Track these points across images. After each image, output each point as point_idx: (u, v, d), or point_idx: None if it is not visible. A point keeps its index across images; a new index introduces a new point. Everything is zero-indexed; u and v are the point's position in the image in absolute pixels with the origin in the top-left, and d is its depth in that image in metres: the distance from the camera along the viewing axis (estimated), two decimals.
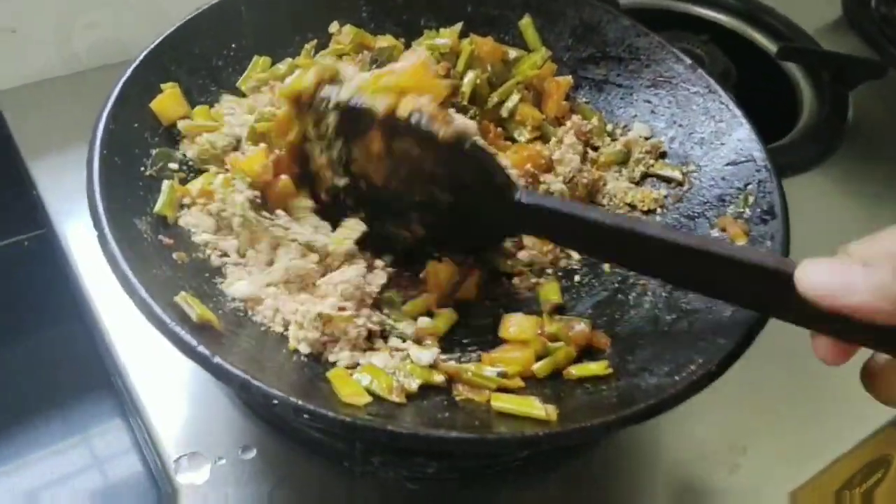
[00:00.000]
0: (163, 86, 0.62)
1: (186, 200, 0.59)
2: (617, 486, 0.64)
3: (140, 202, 0.56)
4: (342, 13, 0.72)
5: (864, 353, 0.47)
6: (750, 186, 0.63)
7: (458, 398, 0.53)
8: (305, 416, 0.45)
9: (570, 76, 0.74)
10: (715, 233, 0.63)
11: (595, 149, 0.72)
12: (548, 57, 0.74)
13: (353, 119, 0.56)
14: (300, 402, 0.44)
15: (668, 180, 0.69)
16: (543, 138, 0.71)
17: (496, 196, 0.57)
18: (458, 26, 0.73)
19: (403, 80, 0.56)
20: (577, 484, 0.63)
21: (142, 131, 0.60)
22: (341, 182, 0.59)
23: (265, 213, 0.58)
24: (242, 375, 0.45)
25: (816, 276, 0.43)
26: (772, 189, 0.61)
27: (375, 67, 0.68)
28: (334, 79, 0.57)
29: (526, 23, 0.75)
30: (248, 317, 0.54)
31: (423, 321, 0.58)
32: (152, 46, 0.62)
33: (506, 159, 0.67)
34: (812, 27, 1.10)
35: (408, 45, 0.73)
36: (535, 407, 0.50)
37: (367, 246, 0.60)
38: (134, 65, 0.61)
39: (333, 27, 0.71)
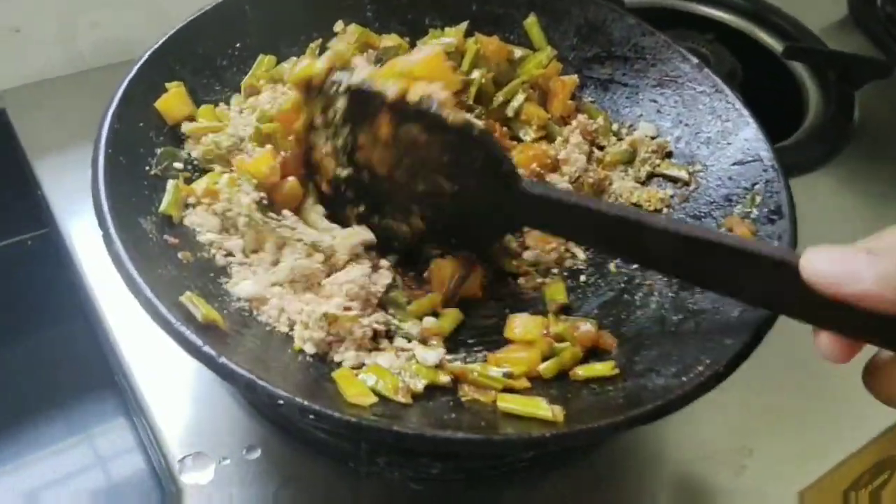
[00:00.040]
0: (168, 85, 0.62)
1: (191, 200, 0.58)
2: (622, 486, 0.64)
3: (145, 201, 0.56)
4: (347, 12, 0.71)
5: (867, 354, 0.46)
6: (757, 186, 0.62)
7: (463, 399, 0.52)
8: (311, 416, 0.45)
9: (576, 75, 0.74)
10: None
11: (601, 148, 0.72)
12: (553, 56, 0.74)
13: (363, 102, 0.56)
14: (306, 403, 0.44)
15: (674, 180, 0.68)
16: (549, 138, 0.71)
17: (502, 185, 0.57)
18: (464, 25, 0.73)
19: (417, 68, 0.56)
20: (583, 484, 0.63)
21: (146, 131, 0.60)
22: (344, 172, 0.59)
23: (272, 214, 0.58)
24: (248, 375, 0.45)
25: (821, 264, 0.43)
26: (779, 189, 0.61)
27: (379, 67, 0.68)
28: (345, 66, 0.57)
29: (531, 22, 0.75)
30: (253, 317, 0.54)
31: (429, 321, 0.58)
32: (157, 46, 0.62)
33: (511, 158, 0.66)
34: (818, 26, 1.10)
35: (412, 45, 0.72)
36: (541, 408, 0.49)
37: (372, 246, 0.60)
38: (139, 64, 0.61)
39: (338, 26, 0.71)
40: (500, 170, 0.56)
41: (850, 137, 0.96)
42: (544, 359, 0.55)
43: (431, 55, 0.58)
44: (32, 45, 0.84)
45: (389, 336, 0.56)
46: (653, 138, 0.71)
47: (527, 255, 0.65)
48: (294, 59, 0.69)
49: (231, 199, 0.57)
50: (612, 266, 0.65)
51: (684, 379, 0.50)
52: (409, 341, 0.56)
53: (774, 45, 1.07)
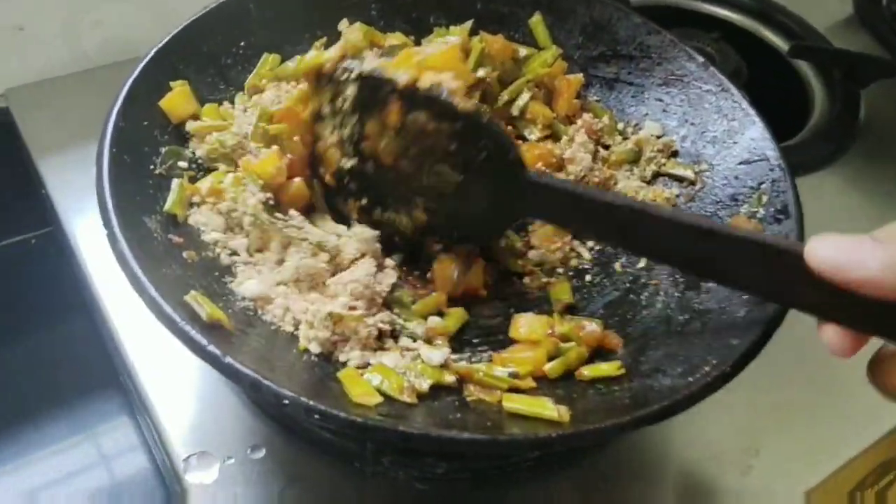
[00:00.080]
0: (172, 84, 0.62)
1: (196, 199, 0.58)
2: (628, 486, 0.64)
3: (149, 200, 0.56)
4: (351, 10, 0.71)
5: (872, 351, 0.46)
6: (763, 186, 0.62)
7: (469, 398, 0.52)
8: (316, 416, 0.44)
9: (581, 74, 0.74)
10: None
11: (606, 147, 0.72)
12: (558, 55, 0.73)
13: (373, 89, 0.56)
14: (311, 403, 0.44)
15: (680, 179, 0.68)
16: (554, 137, 0.71)
17: (508, 174, 0.57)
18: (469, 24, 0.73)
19: (433, 59, 0.57)
20: (588, 484, 0.63)
21: (151, 129, 0.60)
22: (348, 163, 0.59)
23: (278, 214, 0.57)
24: (253, 375, 0.45)
25: (826, 251, 0.43)
26: (786, 188, 0.61)
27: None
28: (357, 56, 0.58)
29: (536, 20, 0.75)
30: (258, 316, 0.54)
31: (434, 320, 0.58)
32: (161, 44, 0.62)
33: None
34: (823, 25, 1.09)
35: (417, 43, 0.72)
36: (547, 408, 0.49)
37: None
38: (143, 63, 0.61)
39: (343, 25, 0.71)
40: (508, 158, 0.56)
41: (856, 136, 0.95)
42: (550, 359, 0.55)
43: (448, 48, 0.59)
44: (36, 44, 0.84)
45: (394, 336, 0.56)
46: (658, 137, 0.70)
47: (532, 254, 0.65)
48: (299, 56, 0.69)
49: (236, 199, 0.57)
50: (617, 266, 0.65)
51: (691, 379, 0.50)
52: (415, 341, 0.56)
53: (780, 43, 1.07)
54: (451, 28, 0.73)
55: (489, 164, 0.56)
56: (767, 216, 0.61)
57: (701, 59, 0.70)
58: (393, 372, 0.52)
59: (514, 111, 0.70)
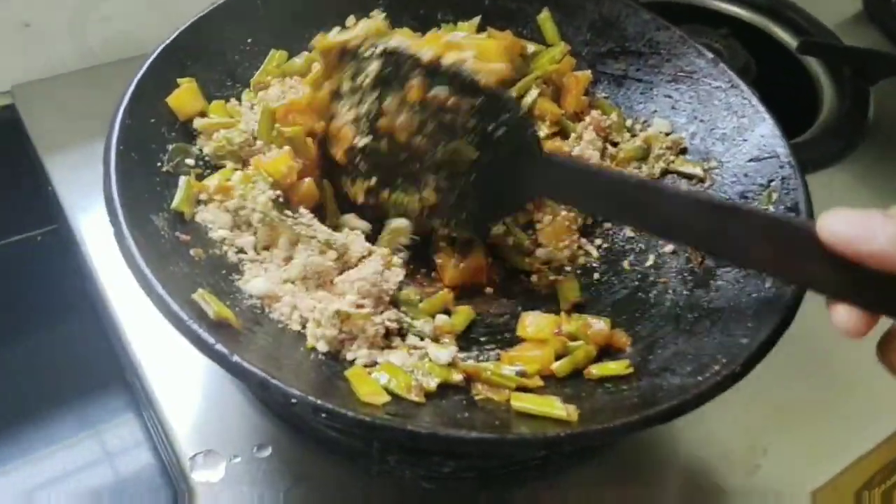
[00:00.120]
0: (179, 81, 0.62)
1: (203, 196, 0.58)
2: (635, 485, 0.63)
3: (156, 198, 0.56)
4: (359, 6, 0.71)
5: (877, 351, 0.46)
6: (773, 183, 0.62)
7: (477, 397, 0.52)
8: (324, 415, 0.44)
9: (589, 71, 0.73)
10: None
11: (614, 144, 0.71)
12: (567, 51, 0.73)
13: (397, 65, 0.57)
14: (319, 402, 0.44)
15: (688, 177, 0.68)
16: (562, 134, 0.71)
17: (524, 151, 0.57)
18: (476, 20, 0.73)
19: (474, 42, 0.59)
20: (595, 483, 0.62)
21: (158, 126, 0.60)
22: (362, 142, 0.59)
23: (287, 212, 0.57)
24: (261, 374, 0.44)
25: (837, 225, 0.43)
26: (796, 186, 0.60)
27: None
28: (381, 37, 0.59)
29: (544, 17, 0.74)
30: (265, 314, 0.54)
31: (441, 319, 0.57)
32: (168, 41, 0.62)
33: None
34: (833, 22, 1.09)
35: None
36: (555, 407, 0.49)
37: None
38: (150, 59, 0.60)
39: (350, 21, 0.70)
40: (525, 135, 0.57)
41: (866, 133, 0.95)
42: (558, 357, 0.55)
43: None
44: (42, 40, 0.84)
45: (402, 334, 0.56)
46: (667, 134, 0.70)
47: (539, 252, 0.65)
48: (305, 54, 0.69)
49: (245, 196, 0.57)
50: (625, 264, 0.64)
51: (700, 378, 0.49)
52: (422, 339, 0.56)
53: (789, 40, 1.06)
54: (459, 24, 0.73)
55: (506, 141, 0.57)
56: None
57: (710, 55, 0.70)
58: (401, 370, 0.51)
59: (523, 108, 0.70)
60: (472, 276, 0.62)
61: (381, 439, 0.57)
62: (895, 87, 1.00)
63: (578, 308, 0.61)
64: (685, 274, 0.61)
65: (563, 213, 0.65)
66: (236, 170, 0.60)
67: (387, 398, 0.49)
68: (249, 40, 0.68)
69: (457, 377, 0.53)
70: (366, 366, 0.52)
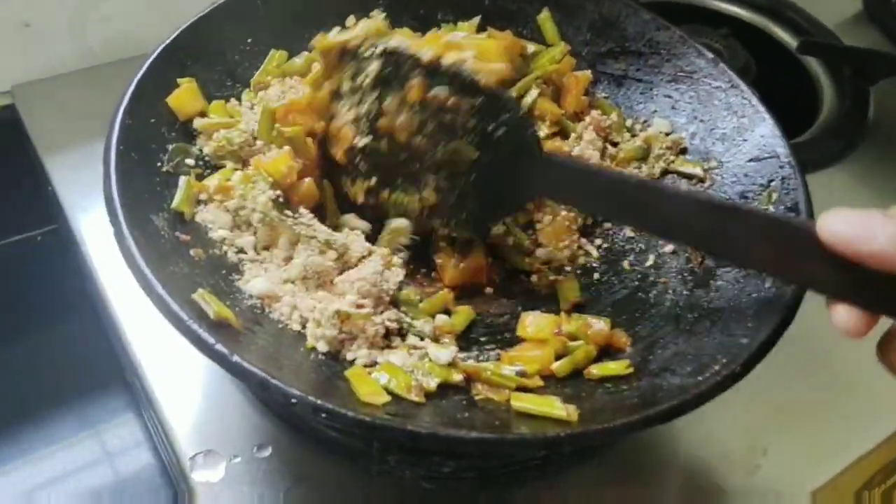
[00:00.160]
0: (179, 81, 0.62)
1: (203, 196, 0.58)
2: (635, 485, 0.63)
3: (157, 198, 0.56)
4: (358, 6, 0.71)
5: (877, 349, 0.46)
6: (773, 183, 0.62)
7: (477, 397, 0.52)
8: (324, 415, 0.44)
9: (589, 71, 0.73)
10: None
11: (614, 144, 0.71)
12: (567, 51, 0.73)
13: (397, 65, 0.57)
14: (319, 402, 0.44)
15: (688, 177, 0.68)
16: (562, 134, 0.71)
17: (524, 151, 0.57)
18: (476, 20, 0.73)
19: (475, 42, 0.59)
20: (594, 483, 0.62)
21: (158, 126, 0.60)
22: (362, 142, 0.60)
23: (287, 212, 0.57)
24: (261, 374, 0.44)
25: (838, 225, 0.43)
26: (796, 186, 0.60)
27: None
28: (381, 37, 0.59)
29: (544, 17, 0.74)
30: (265, 314, 0.54)
31: (441, 318, 0.57)
32: (168, 41, 0.62)
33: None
34: (833, 22, 1.09)
35: None
36: (555, 407, 0.49)
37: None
38: (150, 59, 0.60)
39: (350, 21, 0.70)
40: (525, 135, 0.57)
41: (866, 133, 0.95)
42: (558, 357, 0.55)
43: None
44: (42, 40, 0.84)
45: (402, 334, 0.56)
46: (667, 134, 0.70)
47: (539, 252, 0.65)
48: (306, 53, 0.69)
49: (245, 196, 0.57)
50: (625, 264, 0.64)
51: (700, 378, 0.49)
52: (422, 339, 0.56)
53: (789, 40, 1.06)
54: (459, 24, 0.73)
55: (506, 141, 0.57)
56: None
57: (710, 55, 0.70)
58: (401, 370, 0.51)
59: (523, 108, 0.70)
60: (472, 276, 0.62)
61: (381, 439, 0.57)
62: (895, 87, 1.00)
63: (578, 308, 0.61)
64: (685, 274, 0.61)
65: (563, 213, 0.65)
66: (236, 170, 0.60)
67: (387, 398, 0.49)
68: (249, 40, 0.68)
69: (457, 377, 0.53)
70: (366, 366, 0.52)
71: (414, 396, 0.50)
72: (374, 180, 0.61)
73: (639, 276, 0.63)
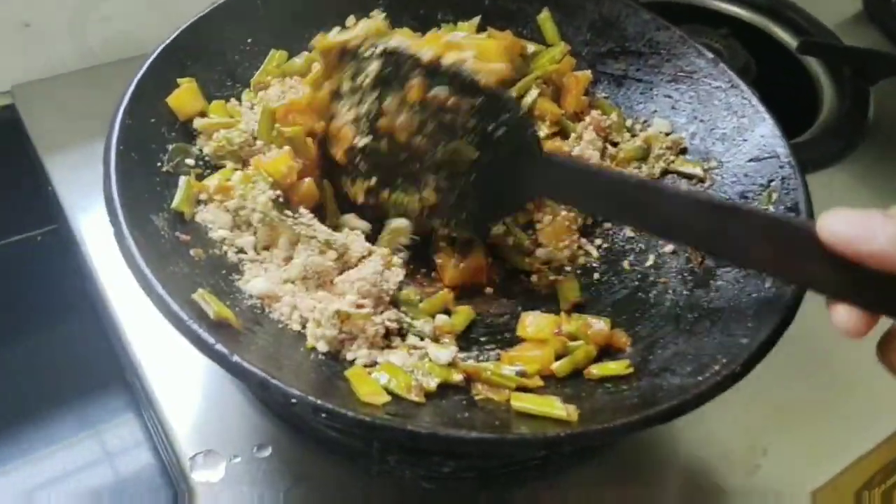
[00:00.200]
0: (179, 81, 0.62)
1: (203, 196, 0.58)
2: (635, 485, 0.63)
3: (157, 198, 0.56)
4: (358, 6, 0.71)
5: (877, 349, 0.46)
6: (773, 183, 0.62)
7: (477, 397, 0.52)
8: (324, 415, 0.44)
9: (589, 71, 0.73)
10: None
11: (614, 144, 0.71)
12: (567, 51, 0.73)
13: (397, 65, 0.57)
14: (319, 402, 0.44)
15: (688, 177, 0.68)
16: (562, 134, 0.71)
17: (524, 151, 0.57)
18: (476, 20, 0.73)
19: (475, 42, 0.59)
20: (594, 483, 0.62)
21: (158, 126, 0.60)
22: (362, 142, 0.60)
23: (287, 212, 0.57)
24: (261, 374, 0.44)
25: (838, 225, 0.43)
26: (796, 186, 0.60)
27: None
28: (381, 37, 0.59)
29: (544, 17, 0.74)
30: (265, 314, 0.54)
31: (441, 318, 0.57)
32: (168, 41, 0.62)
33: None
34: (833, 22, 1.09)
35: None
36: (555, 407, 0.49)
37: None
38: (150, 59, 0.60)
39: (350, 21, 0.70)
40: (525, 135, 0.57)
41: (866, 133, 0.95)
42: (558, 357, 0.55)
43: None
44: (42, 40, 0.84)
45: (402, 334, 0.56)
46: (667, 134, 0.70)
47: (539, 252, 0.65)
48: (306, 53, 0.69)
49: (245, 196, 0.57)
50: (625, 264, 0.64)
51: (700, 378, 0.49)
52: (422, 339, 0.56)
53: (789, 40, 1.06)
54: (459, 24, 0.73)
55: (506, 141, 0.57)
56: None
57: (710, 55, 0.70)
58: (401, 370, 0.51)
59: (523, 108, 0.70)
60: (472, 276, 0.62)
61: (381, 439, 0.57)
62: (895, 87, 1.00)
63: (578, 308, 0.61)
64: (685, 274, 0.61)
65: (563, 213, 0.65)
66: (236, 170, 0.60)
67: (387, 398, 0.49)
68: (249, 40, 0.68)
69: (457, 377, 0.53)
70: (366, 366, 0.52)
71: (414, 396, 0.50)
72: (374, 180, 0.61)
73: (639, 276, 0.63)
